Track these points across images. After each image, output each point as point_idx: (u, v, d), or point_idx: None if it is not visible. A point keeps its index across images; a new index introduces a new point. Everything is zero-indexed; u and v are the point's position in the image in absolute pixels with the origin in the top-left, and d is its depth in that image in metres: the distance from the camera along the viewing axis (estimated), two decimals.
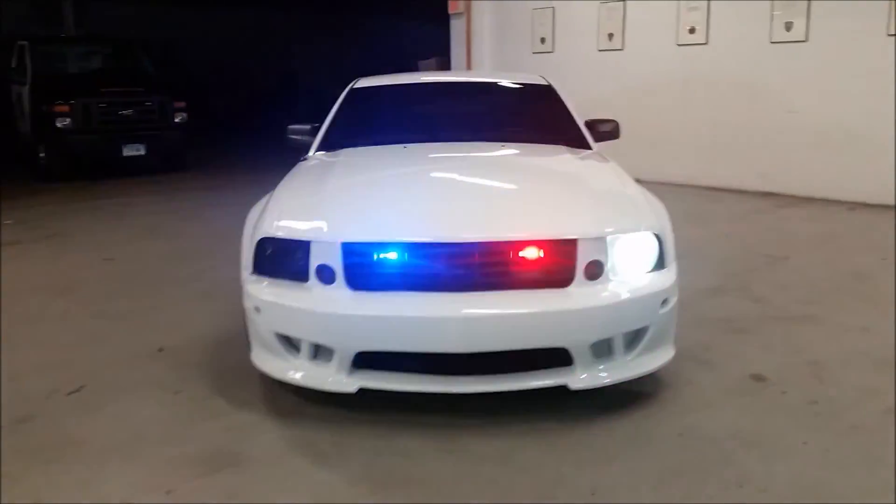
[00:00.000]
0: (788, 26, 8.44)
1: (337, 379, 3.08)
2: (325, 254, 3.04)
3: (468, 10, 11.83)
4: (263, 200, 3.62)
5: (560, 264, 3.03)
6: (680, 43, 9.47)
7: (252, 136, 13.90)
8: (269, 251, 3.19)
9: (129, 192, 9.47)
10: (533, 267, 3.05)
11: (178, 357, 3.91)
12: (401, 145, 4.27)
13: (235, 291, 3.45)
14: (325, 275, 3.04)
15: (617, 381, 3.12)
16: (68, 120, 10.13)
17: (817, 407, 3.24)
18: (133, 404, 3.37)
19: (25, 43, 11.02)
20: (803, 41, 8.34)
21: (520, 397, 3.17)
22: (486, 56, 11.83)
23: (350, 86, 4.98)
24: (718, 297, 4.82)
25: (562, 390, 3.08)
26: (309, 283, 3.07)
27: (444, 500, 2.60)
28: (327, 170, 3.89)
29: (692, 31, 9.32)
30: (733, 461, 2.80)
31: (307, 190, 3.62)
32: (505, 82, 5.32)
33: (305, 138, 4.64)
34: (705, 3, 9.14)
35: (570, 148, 4.30)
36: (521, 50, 11.36)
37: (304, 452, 2.93)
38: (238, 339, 3.75)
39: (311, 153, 4.43)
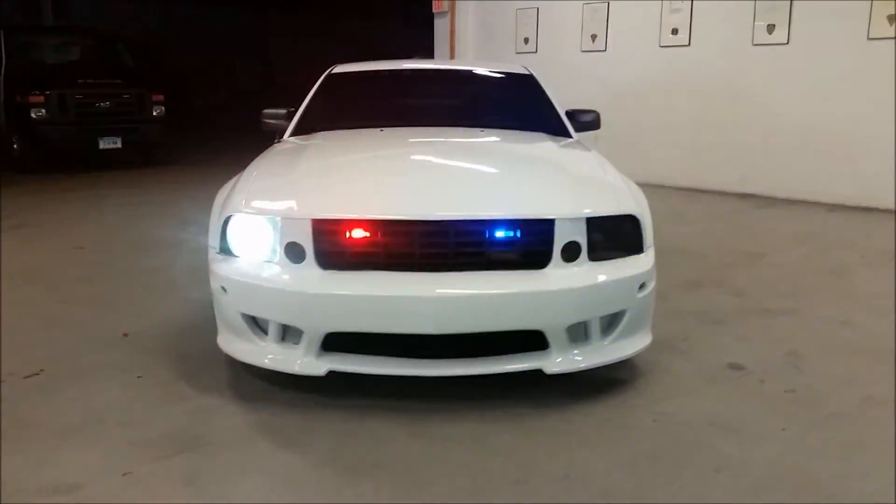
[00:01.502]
0: (770, 29, 8.46)
1: (305, 361, 2.98)
2: (295, 231, 2.94)
3: (452, 9, 11.78)
4: (233, 179, 3.52)
5: (536, 245, 2.96)
6: (663, 45, 9.47)
7: (231, 134, 13.75)
8: (236, 229, 3.09)
9: (104, 185, 9.31)
10: (509, 247, 2.98)
11: (143, 342, 3.79)
12: (377, 129, 4.19)
13: (203, 281, 3.34)
14: (295, 253, 2.95)
15: (593, 366, 3.06)
16: (43, 111, 9.94)
17: (795, 395, 3.19)
18: (93, 388, 3.25)
19: (0, 31, 10.81)
20: (785, 44, 8.37)
21: (493, 381, 3.10)
22: (470, 55, 11.78)
23: (328, 71, 4.89)
24: (696, 291, 4.78)
25: (536, 374, 3.01)
26: (277, 261, 2.98)
27: (413, 483, 2.51)
28: (300, 151, 3.79)
29: (675, 32, 9.32)
30: (710, 447, 2.74)
31: (278, 169, 3.52)
32: (485, 70, 5.25)
33: (280, 122, 4.55)
34: (688, 5, 9.15)
35: (550, 135, 4.24)
36: (505, 50, 11.32)
37: (269, 436, 2.83)
38: (205, 325, 3.67)
39: (285, 137, 4.33)
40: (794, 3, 8.21)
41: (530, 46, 11.05)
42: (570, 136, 4.36)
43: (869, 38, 7.70)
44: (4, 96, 10.34)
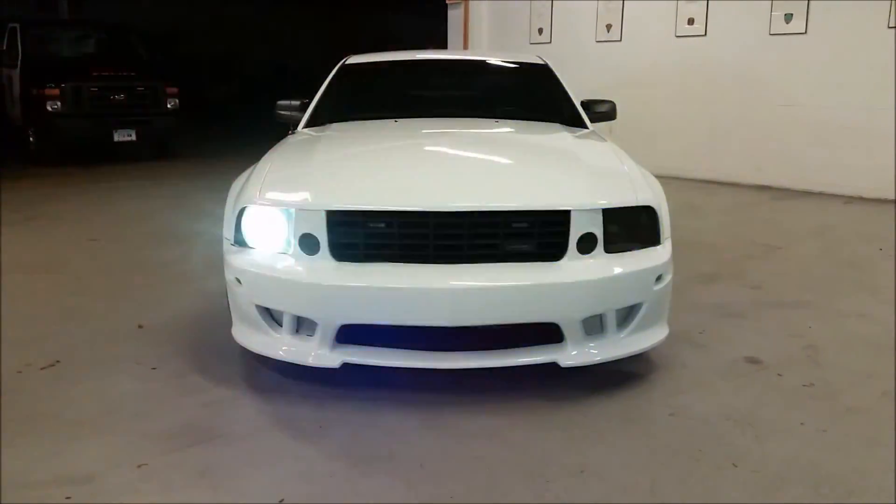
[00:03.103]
0: (788, 18, 8.36)
1: (320, 354, 2.97)
2: (309, 223, 2.93)
3: (466, 0, 11.72)
4: (247, 171, 3.51)
5: (552, 236, 2.93)
6: (678, 34, 9.38)
7: (245, 126, 13.77)
8: (251, 221, 3.08)
9: (119, 177, 9.35)
10: (524, 239, 2.94)
11: (158, 334, 3.80)
12: (391, 120, 4.17)
13: (218, 272, 3.34)
14: (309, 245, 2.94)
15: (608, 360, 3.03)
16: (58, 103, 9.99)
17: (814, 389, 3.15)
18: (108, 380, 3.26)
19: (16, 25, 10.86)
20: (802, 33, 8.26)
21: (508, 374, 3.08)
22: (484, 46, 11.74)
23: (341, 62, 4.87)
24: (713, 284, 4.73)
25: (551, 368, 2.98)
26: (292, 253, 2.97)
27: (427, 477, 2.49)
28: (314, 142, 3.78)
29: (691, 22, 9.23)
30: (727, 441, 2.71)
31: (293, 160, 3.51)
32: (500, 61, 5.21)
33: (294, 114, 4.53)
34: None
35: (566, 126, 4.20)
36: (519, 40, 11.26)
37: (284, 428, 2.82)
38: (219, 317, 3.66)
39: (299, 128, 4.32)
40: None
41: (545, 37, 10.99)
42: (585, 127, 4.32)
43: (889, 27, 7.59)
44: (21, 89, 10.41)
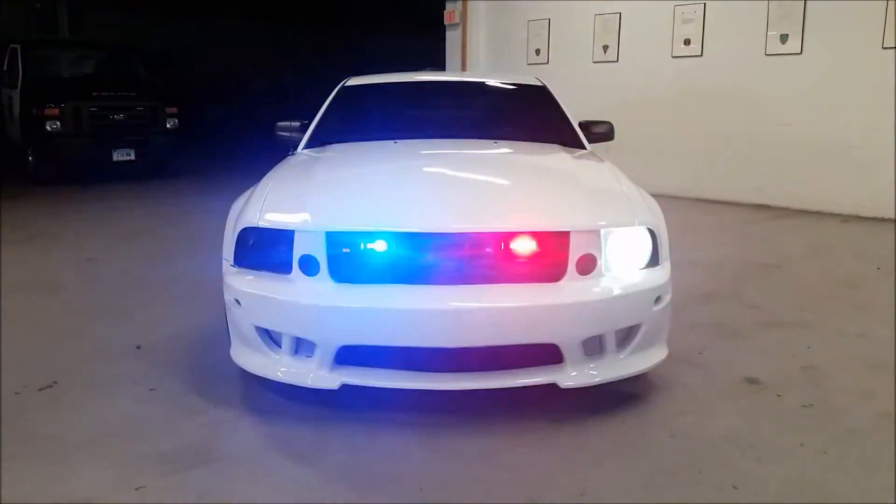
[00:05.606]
0: (783, 39, 8.43)
1: (319, 375, 2.97)
2: (309, 244, 2.93)
3: (464, 21, 11.81)
4: (247, 192, 3.52)
5: (552, 258, 2.94)
6: (675, 55, 9.45)
7: (244, 146, 13.81)
8: (251, 242, 3.09)
9: (118, 197, 9.36)
10: (524, 260, 2.95)
11: (156, 355, 3.79)
12: (391, 141, 4.19)
13: (217, 292, 3.34)
14: (309, 266, 2.94)
15: (608, 380, 3.02)
16: (58, 123, 10.03)
17: (813, 410, 3.15)
18: (106, 401, 3.25)
19: (17, 46, 10.92)
20: (798, 54, 8.33)
21: (507, 396, 3.07)
22: (481, 67, 11.81)
23: (341, 83, 4.90)
24: (711, 303, 4.74)
25: (551, 389, 2.98)
26: (292, 274, 2.97)
27: (426, 500, 2.49)
28: (314, 163, 3.80)
29: (687, 42, 9.30)
30: (728, 463, 2.70)
31: (292, 181, 3.52)
32: (498, 82, 5.25)
33: (294, 135, 4.55)
34: (700, 15, 9.13)
35: (564, 147, 4.22)
36: (516, 61, 11.33)
37: (282, 450, 2.81)
38: (217, 338, 3.66)
39: (299, 149, 4.34)
40: (808, 12, 8.18)
41: (542, 58, 11.06)
42: (583, 148, 4.34)
43: (883, 48, 7.65)
44: (21, 109, 10.44)
